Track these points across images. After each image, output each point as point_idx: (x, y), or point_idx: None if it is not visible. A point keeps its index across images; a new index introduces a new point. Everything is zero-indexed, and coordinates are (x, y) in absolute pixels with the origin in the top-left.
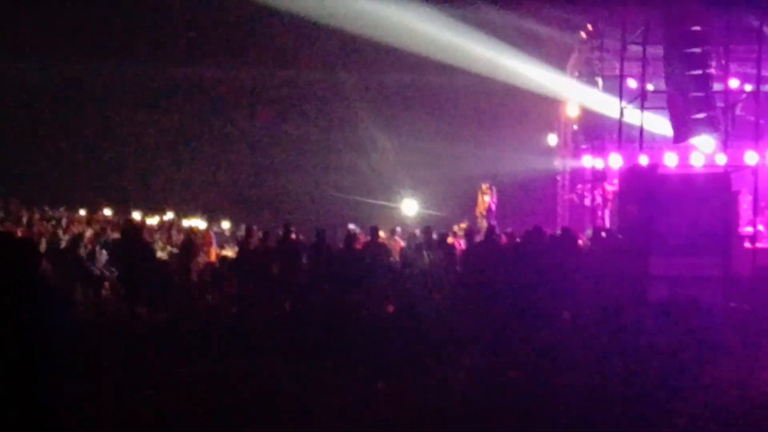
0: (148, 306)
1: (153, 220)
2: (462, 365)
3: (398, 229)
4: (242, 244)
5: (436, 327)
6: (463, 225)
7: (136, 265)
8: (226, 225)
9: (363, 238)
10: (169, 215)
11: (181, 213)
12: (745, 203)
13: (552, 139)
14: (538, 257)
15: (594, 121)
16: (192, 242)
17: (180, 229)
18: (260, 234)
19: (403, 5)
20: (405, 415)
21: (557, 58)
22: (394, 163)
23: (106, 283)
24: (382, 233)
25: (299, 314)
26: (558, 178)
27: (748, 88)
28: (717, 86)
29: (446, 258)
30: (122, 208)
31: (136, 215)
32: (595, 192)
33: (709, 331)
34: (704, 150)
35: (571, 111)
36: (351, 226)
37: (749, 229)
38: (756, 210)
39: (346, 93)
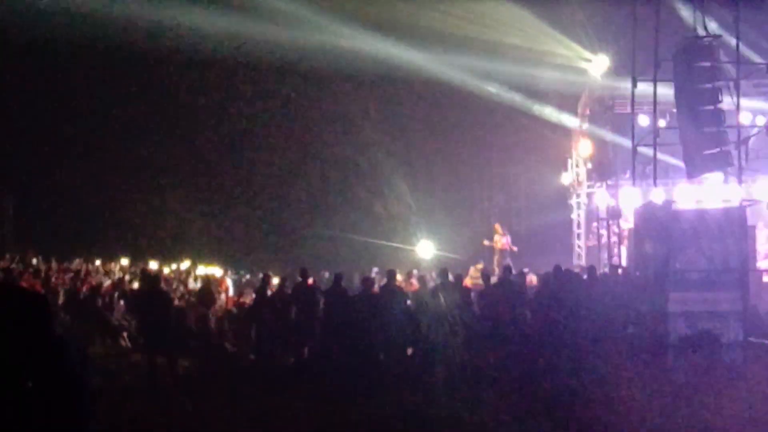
0: (168, 355)
1: (169, 269)
2: (484, 407)
3: (415, 271)
4: (259, 291)
5: (455, 368)
6: (480, 266)
7: (154, 314)
8: (243, 272)
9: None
10: (185, 263)
11: (197, 260)
12: (761, 237)
13: (566, 178)
14: (560, 297)
15: (607, 158)
16: (209, 290)
17: (196, 277)
18: (277, 280)
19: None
20: None
21: (569, 97)
22: (409, 205)
23: (125, 333)
24: (399, 276)
25: (318, 359)
26: (573, 216)
27: (760, 121)
28: (729, 121)
29: (462, 299)
30: (138, 257)
31: (153, 264)
32: (610, 229)
33: (730, 366)
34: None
35: (584, 149)
36: (375, 270)
37: (766, 263)
38: None
39: (362, 135)
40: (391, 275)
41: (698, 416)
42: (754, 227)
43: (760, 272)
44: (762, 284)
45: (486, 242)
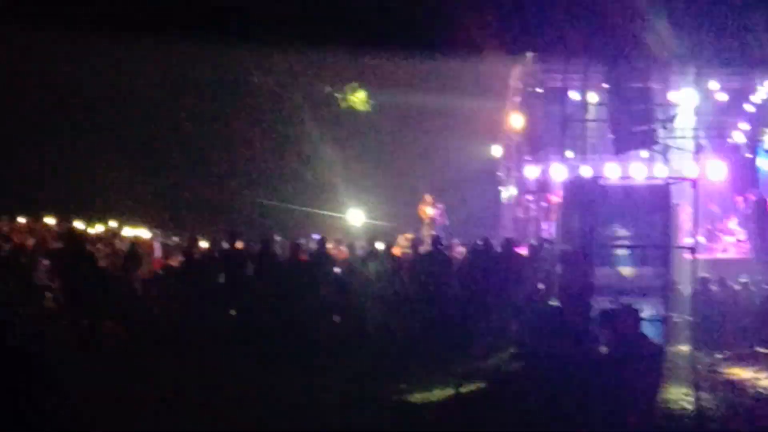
0: (92, 317)
1: (96, 230)
2: (410, 375)
3: (343, 239)
4: (186, 254)
5: (382, 336)
6: (409, 236)
7: (79, 275)
8: (171, 234)
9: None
10: (112, 224)
11: (124, 222)
12: (684, 215)
13: (496, 150)
14: (486, 268)
15: (537, 132)
16: (136, 252)
17: (123, 239)
18: (206, 243)
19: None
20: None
21: (501, 70)
22: (339, 173)
23: (49, 294)
24: (329, 244)
25: (244, 323)
26: (502, 189)
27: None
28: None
29: (391, 268)
30: (64, 216)
31: (79, 224)
32: (539, 203)
33: (650, 340)
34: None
35: (515, 122)
36: (315, 236)
37: (689, 241)
38: (696, 222)
39: (290, 102)
40: (321, 242)
41: (616, 388)
42: (678, 205)
43: (683, 249)
44: (684, 261)
45: (423, 213)
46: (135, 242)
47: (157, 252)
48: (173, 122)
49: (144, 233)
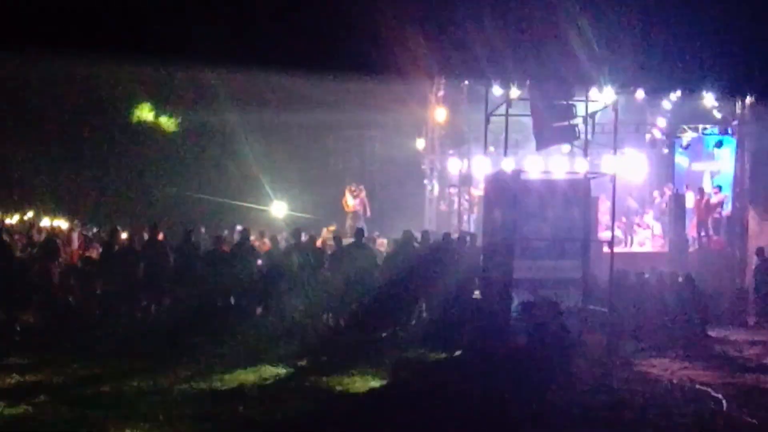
0: (8, 308)
1: (12, 220)
2: (333, 365)
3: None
4: (107, 245)
5: (304, 328)
6: (332, 228)
7: None
8: (90, 225)
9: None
10: (29, 214)
11: (42, 212)
12: (603, 209)
13: (420, 143)
14: (409, 260)
15: (460, 126)
16: (53, 242)
17: (41, 229)
18: (126, 235)
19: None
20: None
21: (426, 65)
22: (263, 165)
23: None
24: (251, 236)
25: (163, 315)
26: (426, 181)
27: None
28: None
29: (315, 260)
30: None
31: None
32: (461, 196)
33: (569, 332)
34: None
35: (439, 116)
36: (238, 228)
37: (608, 234)
38: (614, 215)
39: (216, 96)
40: (244, 234)
41: (536, 378)
42: (597, 199)
43: (601, 243)
44: (602, 254)
45: (345, 204)
46: (53, 233)
47: (76, 243)
48: (92, 113)
49: (63, 224)
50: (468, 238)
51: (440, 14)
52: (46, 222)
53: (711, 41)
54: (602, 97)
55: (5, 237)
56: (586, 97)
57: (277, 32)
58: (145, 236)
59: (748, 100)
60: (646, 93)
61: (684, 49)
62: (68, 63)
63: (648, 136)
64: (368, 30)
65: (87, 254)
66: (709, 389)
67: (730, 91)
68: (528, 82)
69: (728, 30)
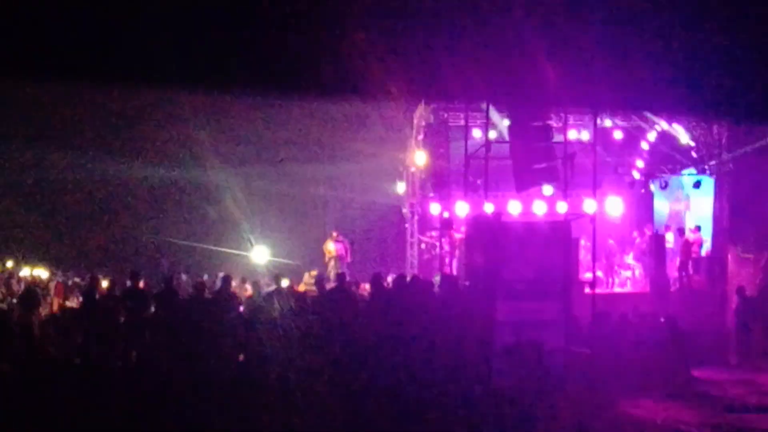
0: None
1: None
2: (315, 412)
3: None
4: (87, 294)
5: (287, 375)
6: (314, 273)
7: None
8: (70, 274)
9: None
10: (9, 264)
11: (22, 262)
12: (584, 250)
13: (400, 187)
14: (390, 305)
15: (441, 169)
16: (33, 292)
17: (20, 279)
18: (107, 283)
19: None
20: None
21: (405, 108)
22: (244, 210)
23: None
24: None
25: (146, 364)
26: (407, 225)
27: (585, 137)
28: (557, 137)
29: (297, 305)
30: None
31: None
32: (443, 239)
33: (551, 373)
34: (546, 194)
35: (419, 160)
36: (220, 275)
37: (589, 275)
38: (595, 256)
39: (195, 141)
40: (226, 280)
41: (520, 417)
42: (578, 240)
43: (583, 283)
44: (584, 295)
45: (327, 251)
46: (32, 283)
47: (56, 293)
48: (72, 160)
49: (42, 273)
50: (440, 281)
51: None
52: (25, 272)
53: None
54: (580, 137)
55: None
56: (565, 138)
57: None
58: (127, 284)
59: (725, 139)
60: (622, 130)
61: (659, 75)
62: (47, 110)
63: (626, 177)
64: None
65: (67, 303)
66: (693, 429)
67: (704, 118)
68: (507, 124)
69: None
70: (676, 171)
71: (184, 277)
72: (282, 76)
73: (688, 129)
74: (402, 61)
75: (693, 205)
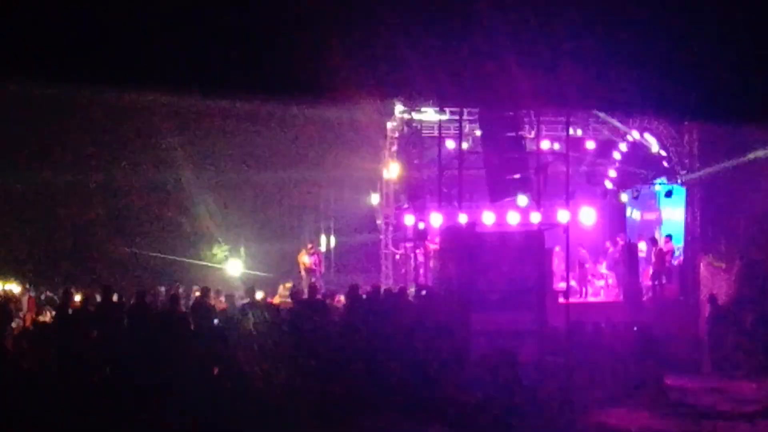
0: None
1: None
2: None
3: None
4: (60, 309)
5: (261, 387)
6: (289, 285)
7: None
8: (42, 288)
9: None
10: None
11: None
12: (558, 259)
13: (375, 199)
14: (366, 316)
15: (414, 180)
16: (5, 307)
17: None
18: (79, 297)
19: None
20: None
21: (378, 119)
22: (217, 222)
23: None
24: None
25: (120, 378)
26: (381, 236)
27: (562, 148)
28: (530, 147)
29: (271, 318)
30: None
31: None
32: (417, 250)
33: (525, 383)
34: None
35: (393, 171)
36: (196, 287)
37: (563, 285)
38: (569, 266)
39: (169, 153)
40: (204, 293)
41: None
42: (551, 250)
43: (557, 293)
44: (558, 305)
45: (301, 262)
46: (5, 297)
47: (29, 307)
48: (43, 171)
49: (14, 288)
50: (424, 292)
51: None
52: None
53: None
54: (553, 148)
55: None
56: (538, 149)
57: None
58: (98, 299)
59: (695, 149)
60: (594, 140)
61: (631, 73)
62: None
63: (599, 187)
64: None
65: (40, 318)
66: None
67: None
68: (480, 133)
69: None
70: (648, 181)
71: (162, 289)
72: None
73: (659, 139)
74: (374, 61)
75: (665, 215)
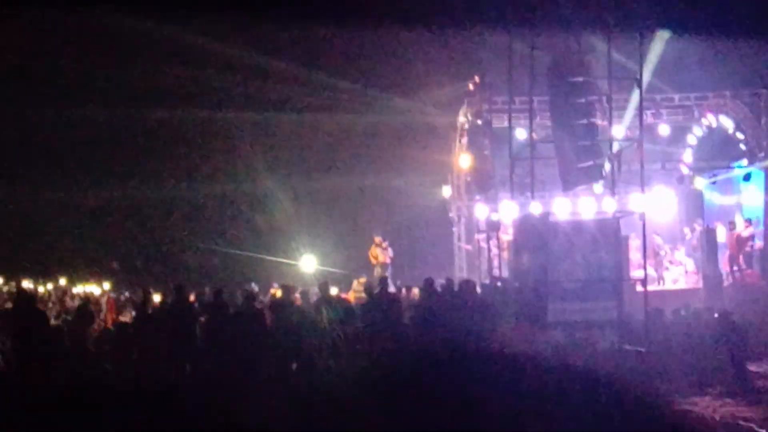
0: (44, 376)
1: (45, 288)
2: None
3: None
4: (140, 308)
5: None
6: (363, 280)
7: (30, 335)
8: (122, 290)
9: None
10: (62, 282)
11: (75, 279)
12: (634, 247)
13: (446, 191)
14: (441, 309)
15: (486, 171)
16: (87, 308)
17: (74, 296)
18: (159, 297)
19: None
20: None
21: (448, 111)
22: (292, 219)
23: None
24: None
25: (199, 377)
26: (454, 228)
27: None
28: (602, 134)
29: (345, 313)
30: (13, 276)
31: (27, 283)
32: (490, 242)
33: (605, 373)
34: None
35: (464, 162)
36: (275, 285)
37: (640, 273)
38: (645, 254)
39: (244, 150)
40: (286, 290)
41: (574, 421)
42: (627, 238)
43: (634, 281)
44: (635, 293)
45: (372, 257)
46: (86, 299)
47: (109, 308)
48: (120, 174)
49: (95, 289)
50: (498, 284)
51: None
52: (79, 288)
53: None
54: (627, 133)
55: (39, 306)
56: (610, 135)
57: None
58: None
59: None
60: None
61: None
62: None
63: (675, 172)
64: None
65: (121, 318)
66: (753, 425)
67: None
68: (552, 124)
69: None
70: (725, 164)
71: (255, 287)
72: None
73: (735, 121)
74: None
75: (744, 199)
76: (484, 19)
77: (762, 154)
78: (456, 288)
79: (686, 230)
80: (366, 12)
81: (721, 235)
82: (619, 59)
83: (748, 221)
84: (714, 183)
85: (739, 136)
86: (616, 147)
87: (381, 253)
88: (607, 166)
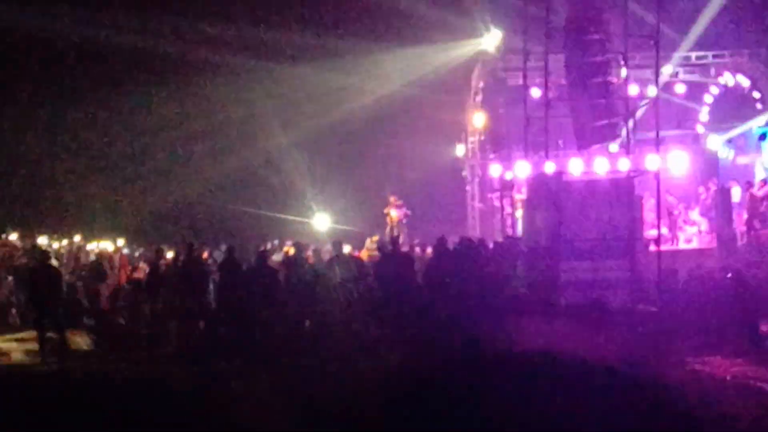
0: (58, 331)
1: (59, 244)
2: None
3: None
4: (153, 265)
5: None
6: (375, 238)
7: (45, 290)
8: (135, 246)
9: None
10: (77, 238)
11: (89, 236)
12: (648, 207)
13: (460, 150)
14: (450, 266)
15: (500, 130)
16: (101, 265)
17: (88, 253)
18: (172, 254)
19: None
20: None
21: (462, 69)
22: (305, 177)
23: (14, 310)
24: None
25: (213, 332)
26: (467, 187)
27: (651, 93)
28: (617, 93)
29: (358, 271)
30: (28, 232)
31: (43, 239)
32: (504, 200)
33: (617, 332)
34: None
35: (478, 121)
36: (289, 243)
37: (653, 233)
38: (659, 213)
39: (258, 110)
40: (299, 248)
41: (582, 384)
42: (641, 197)
43: (648, 241)
44: (649, 253)
45: (386, 212)
46: (100, 256)
47: (122, 265)
48: (135, 133)
49: (108, 246)
50: (512, 242)
51: None
52: (92, 245)
53: None
54: (642, 92)
55: (53, 262)
56: (626, 94)
57: None
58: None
59: None
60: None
61: None
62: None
63: (690, 131)
64: None
65: (134, 275)
66: (764, 385)
67: None
68: (567, 82)
69: None
70: (741, 123)
71: (269, 245)
72: None
73: (752, 80)
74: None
75: (759, 158)
76: None
77: None
78: (468, 246)
79: (701, 190)
80: None
81: (736, 195)
82: (637, 16)
83: (764, 181)
84: (730, 142)
85: (756, 95)
86: (630, 106)
87: (395, 212)
88: (622, 125)
